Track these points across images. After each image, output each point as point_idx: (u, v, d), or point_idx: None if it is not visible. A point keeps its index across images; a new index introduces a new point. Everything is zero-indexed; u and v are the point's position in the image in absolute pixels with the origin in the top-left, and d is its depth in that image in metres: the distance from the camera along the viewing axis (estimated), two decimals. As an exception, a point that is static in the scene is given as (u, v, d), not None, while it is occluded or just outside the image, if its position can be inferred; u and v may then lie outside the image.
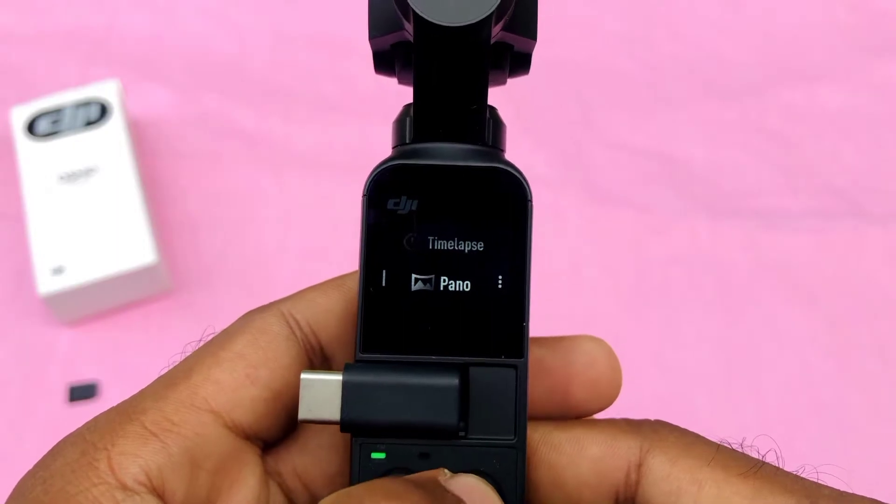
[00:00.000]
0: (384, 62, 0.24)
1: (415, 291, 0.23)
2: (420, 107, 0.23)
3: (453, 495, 0.20)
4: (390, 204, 0.23)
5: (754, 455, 0.22)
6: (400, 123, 0.24)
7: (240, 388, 0.22)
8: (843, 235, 0.61)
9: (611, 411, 0.25)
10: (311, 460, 0.24)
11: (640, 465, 0.22)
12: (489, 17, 0.21)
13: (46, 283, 0.54)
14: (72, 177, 0.58)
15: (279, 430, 0.24)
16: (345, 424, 0.22)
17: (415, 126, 0.23)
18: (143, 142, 0.64)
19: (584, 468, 0.23)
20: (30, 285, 0.56)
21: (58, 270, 0.54)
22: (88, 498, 0.19)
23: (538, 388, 0.24)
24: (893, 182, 0.64)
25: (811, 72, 0.69)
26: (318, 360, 0.24)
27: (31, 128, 0.60)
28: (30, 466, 0.21)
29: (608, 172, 0.64)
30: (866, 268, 0.60)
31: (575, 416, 0.25)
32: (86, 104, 0.61)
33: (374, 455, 0.22)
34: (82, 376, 0.55)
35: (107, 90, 0.61)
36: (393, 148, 0.24)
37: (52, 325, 0.57)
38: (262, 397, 0.23)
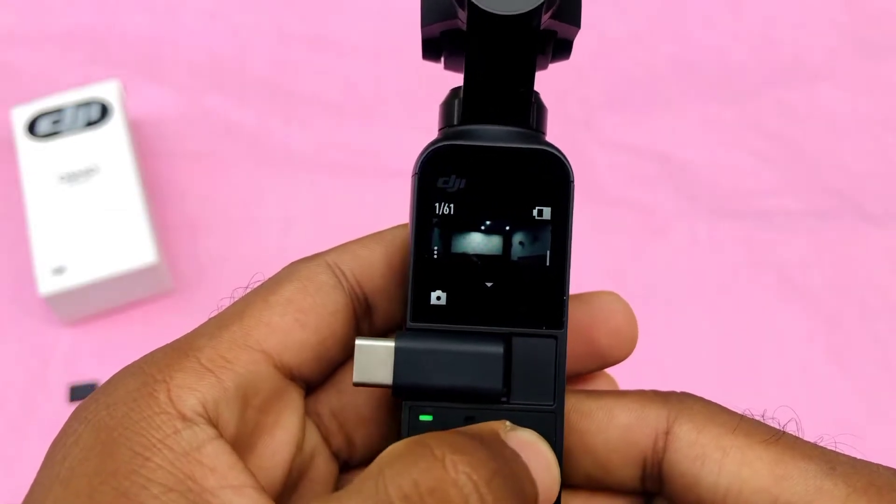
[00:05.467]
0: (432, 49, 0.25)
1: (462, 266, 0.24)
2: (470, 90, 0.24)
3: (511, 450, 0.21)
4: (440, 182, 0.24)
5: (775, 426, 0.23)
6: (447, 106, 0.25)
7: (289, 332, 0.23)
8: (843, 235, 0.61)
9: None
10: (347, 402, 0.25)
11: (667, 433, 0.24)
12: (541, 5, 0.22)
13: (47, 283, 0.54)
14: (72, 177, 0.58)
15: (322, 374, 0.25)
16: (397, 388, 0.23)
17: (464, 108, 0.24)
18: (143, 142, 0.64)
19: (614, 435, 0.24)
20: (30, 285, 0.56)
21: (58, 270, 0.54)
22: (152, 425, 0.20)
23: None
24: (893, 182, 0.64)
25: (811, 72, 0.69)
26: (362, 309, 0.25)
27: (31, 128, 0.60)
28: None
29: (608, 172, 0.64)
30: (866, 268, 0.60)
31: (602, 364, 0.26)
32: (86, 104, 0.61)
33: (423, 417, 0.24)
34: (83, 376, 0.55)
35: (107, 90, 0.61)
36: (440, 130, 0.25)
37: (53, 325, 0.57)
38: (310, 342, 0.24)
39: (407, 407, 0.24)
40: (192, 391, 0.21)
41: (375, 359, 0.23)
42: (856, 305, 0.59)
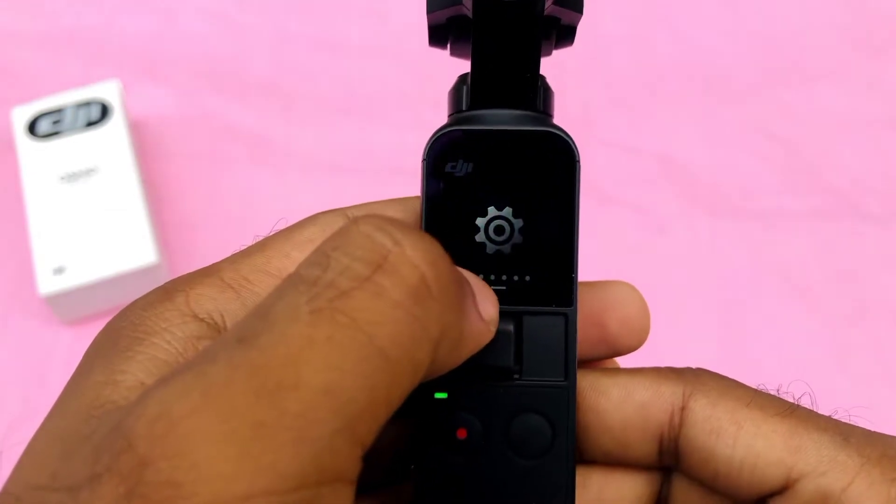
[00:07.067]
0: (439, 35, 0.26)
1: (473, 247, 0.24)
2: (478, 75, 0.24)
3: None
4: (448, 167, 0.24)
5: (789, 399, 0.24)
6: (456, 92, 0.25)
7: None
8: (843, 235, 0.61)
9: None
10: None
11: (683, 409, 0.24)
12: None
13: (47, 283, 0.54)
14: (72, 177, 0.58)
15: None
16: None
17: (472, 94, 0.24)
18: (143, 142, 0.64)
19: (631, 412, 0.24)
20: (30, 285, 0.56)
21: (58, 270, 0.54)
22: (161, 317, 0.21)
23: (578, 323, 0.25)
24: (893, 182, 0.64)
25: (811, 72, 0.69)
26: None
27: (31, 128, 0.60)
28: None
29: (608, 172, 0.64)
30: (866, 268, 0.60)
31: (612, 351, 0.27)
32: (86, 104, 0.61)
33: (438, 395, 0.24)
34: (83, 376, 0.55)
35: (107, 90, 0.61)
36: (449, 115, 0.25)
37: (53, 324, 0.57)
38: None
39: (422, 385, 0.24)
40: (211, 300, 0.22)
41: None
42: (856, 305, 0.59)
